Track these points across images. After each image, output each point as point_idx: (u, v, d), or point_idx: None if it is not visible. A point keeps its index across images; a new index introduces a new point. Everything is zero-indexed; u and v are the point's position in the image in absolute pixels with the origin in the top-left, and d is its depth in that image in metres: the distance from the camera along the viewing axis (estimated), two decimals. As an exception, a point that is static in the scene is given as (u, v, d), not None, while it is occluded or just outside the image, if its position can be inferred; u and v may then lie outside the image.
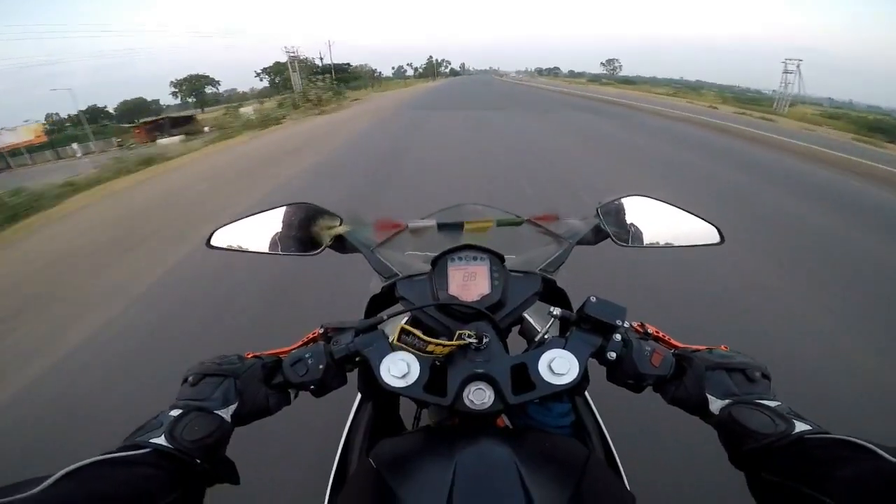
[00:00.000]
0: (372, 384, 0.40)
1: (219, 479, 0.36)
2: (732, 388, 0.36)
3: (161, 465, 0.31)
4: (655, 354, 0.39)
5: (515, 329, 0.51)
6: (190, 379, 0.38)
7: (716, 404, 0.36)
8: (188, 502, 0.32)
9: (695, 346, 0.41)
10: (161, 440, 0.32)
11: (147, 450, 0.31)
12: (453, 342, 0.38)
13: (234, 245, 0.53)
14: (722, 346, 0.41)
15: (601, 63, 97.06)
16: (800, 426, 0.32)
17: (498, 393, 0.37)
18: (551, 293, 0.49)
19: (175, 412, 0.35)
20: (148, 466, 0.30)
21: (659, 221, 0.55)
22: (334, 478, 0.49)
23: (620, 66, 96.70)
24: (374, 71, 57.77)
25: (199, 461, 0.33)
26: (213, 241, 0.53)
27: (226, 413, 0.37)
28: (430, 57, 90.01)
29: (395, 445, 0.39)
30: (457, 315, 0.43)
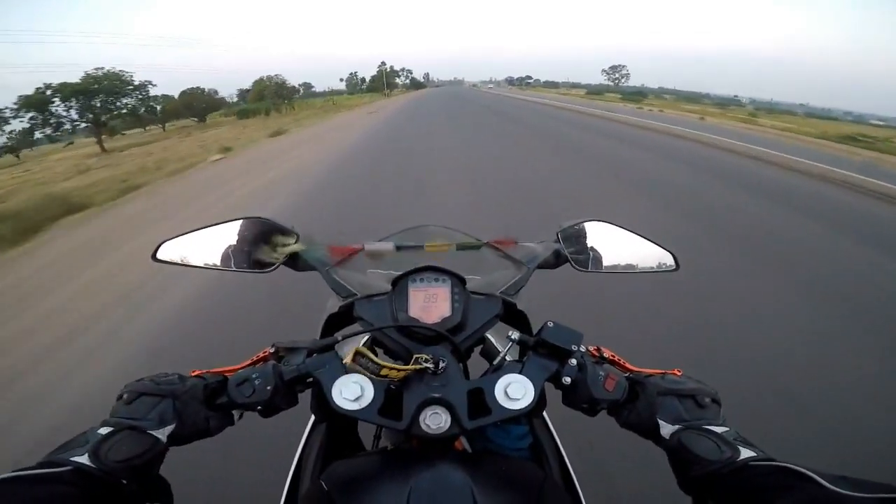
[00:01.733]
0: (325, 406, 0.42)
1: (149, 499, 0.37)
2: (683, 414, 0.41)
3: (81, 485, 0.32)
4: (609, 379, 0.43)
5: (477, 349, 0.56)
6: (125, 397, 0.40)
7: (666, 429, 0.41)
8: None
9: (649, 371, 0.47)
10: (84, 458, 0.34)
11: (66, 468, 0.32)
12: (409, 367, 0.41)
13: (183, 258, 0.55)
14: (675, 371, 0.46)
15: (603, 71, 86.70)
16: (745, 453, 0.36)
17: (454, 417, 0.40)
18: (512, 315, 0.54)
19: (104, 430, 0.37)
20: (67, 485, 0.32)
21: (618, 247, 0.62)
22: (285, 500, 0.51)
23: (627, 74, 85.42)
24: (288, 86, 35.28)
25: (125, 481, 0.34)
26: (160, 255, 0.54)
27: (161, 433, 0.39)
28: (382, 64, 70.83)
29: (348, 467, 0.42)
30: (417, 337, 0.47)
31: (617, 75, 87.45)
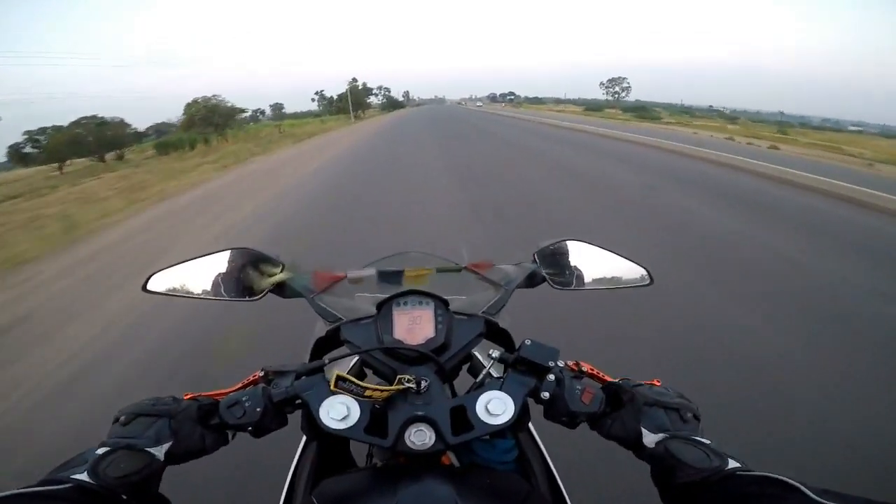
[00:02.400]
0: (315, 425, 0.46)
1: None
2: (667, 424, 0.44)
3: (82, 501, 0.35)
4: (586, 392, 0.48)
5: (466, 367, 0.60)
6: (122, 419, 0.43)
7: (650, 437, 0.44)
8: None
9: (632, 381, 0.49)
10: (83, 476, 0.37)
11: (68, 485, 0.36)
12: (391, 387, 0.46)
13: (173, 289, 0.60)
14: (655, 381, 0.49)
15: (601, 84, 77.69)
16: (732, 463, 0.39)
17: (438, 434, 0.44)
18: (496, 333, 0.59)
19: (102, 449, 0.40)
20: (68, 502, 0.35)
21: (593, 264, 0.68)
22: None
23: (628, 87, 75.70)
24: (225, 108, 26.60)
25: (124, 497, 0.38)
26: (150, 286, 0.59)
27: (158, 451, 0.42)
28: (353, 80, 54.60)
29: (338, 484, 0.45)
30: (403, 358, 0.51)
31: (616, 88, 78.31)
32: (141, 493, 0.40)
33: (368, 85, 65.06)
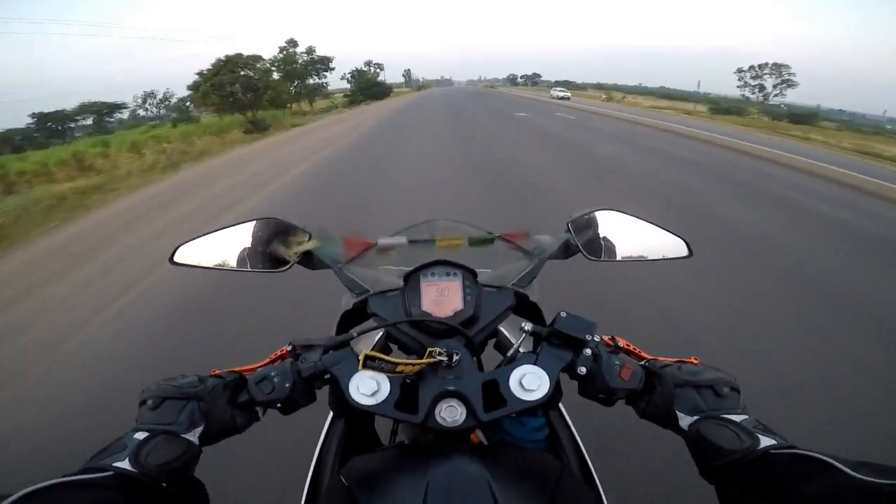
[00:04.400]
0: (343, 401, 0.50)
1: (187, 502, 0.47)
2: (700, 405, 0.48)
3: (124, 489, 0.40)
4: (625, 368, 0.52)
5: (491, 342, 0.66)
6: (149, 402, 0.48)
7: (684, 420, 0.49)
8: None
9: (665, 359, 0.55)
10: (125, 464, 0.42)
11: (109, 473, 0.41)
12: (423, 360, 0.49)
13: (200, 261, 0.67)
14: (692, 359, 0.54)
15: (739, 72, 53.78)
16: (765, 441, 0.43)
17: (469, 410, 0.48)
18: (525, 307, 0.64)
19: (140, 435, 0.45)
20: (110, 490, 0.39)
21: (629, 235, 0.74)
22: (307, 496, 0.61)
23: (791, 81, 50.60)
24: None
25: (164, 485, 0.43)
26: (177, 258, 0.67)
27: (192, 436, 0.48)
28: (290, 43, 36.25)
29: (367, 462, 0.50)
30: (430, 331, 0.56)
31: (768, 81, 53.15)
32: (179, 479, 0.45)
33: (318, 54, 38.52)
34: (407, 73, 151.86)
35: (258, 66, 26.62)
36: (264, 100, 23.68)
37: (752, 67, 56.24)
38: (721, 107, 41.95)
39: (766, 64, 55.15)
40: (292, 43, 38.18)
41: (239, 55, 25.56)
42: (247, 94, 22.59)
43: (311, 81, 41.10)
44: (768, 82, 54.88)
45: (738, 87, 57.72)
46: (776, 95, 55.02)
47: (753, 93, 56.11)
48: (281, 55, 36.98)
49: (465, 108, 22.61)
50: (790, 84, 53.77)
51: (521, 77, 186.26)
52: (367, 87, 49.76)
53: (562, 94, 40.56)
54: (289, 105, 31.66)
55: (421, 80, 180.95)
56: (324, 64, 40.94)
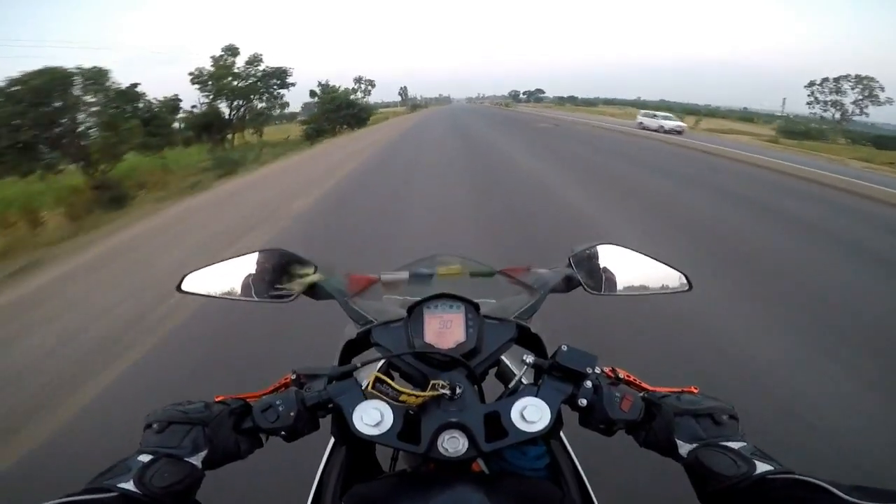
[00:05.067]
0: (346, 430, 0.53)
1: None
2: (700, 433, 0.52)
3: None
4: (625, 400, 0.55)
5: (492, 371, 0.70)
6: (155, 426, 0.51)
7: (684, 448, 0.52)
8: None
9: (665, 389, 0.59)
10: (129, 485, 0.44)
11: (114, 494, 0.43)
12: (426, 393, 0.53)
13: (206, 290, 0.73)
14: (692, 388, 0.58)
15: (812, 85, 46.21)
16: (762, 467, 0.46)
17: (472, 440, 0.51)
18: (527, 338, 0.68)
19: (145, 458, 0.48)
20: None
21: (629, 269, 0.79)
22: None
23: (874, 95, 42.69)
24: None
25: None
26: (185, 286, 0.72)
27: (196, 460, 0.51)
28: (229, 51, 23.88)
29: (369, 490, 0.54)
30: (433, 362, 0.60)
31: (848, 97, 45.18)
32: (182, 502, 0.48)
33: (270, 65, 27.24)
34: (403, 91, 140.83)
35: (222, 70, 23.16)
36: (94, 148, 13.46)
37: (826, 80, 47.80)
38: (793, 129, 35.68)
39: (848, 76, 46.13)
40: (231, 51, 26.28)
41: (230, 55, 23.99)
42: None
43: (263, 103, 29.08)
44: (848, 97, 46.20)
45: (807, 104, 50.02)
46: (856, 114, 46.65)
47: (826, 110, 48.29)
48: (211, 67, 25.92)
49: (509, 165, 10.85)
50: (875, 100, 44.92)
51: (524, 94, 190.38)
52: (333, 110, 33.11)
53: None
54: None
55: (419, 98, 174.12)
56: (278, 78, 28.27)
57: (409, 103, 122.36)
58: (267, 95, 29.14)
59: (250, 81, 27.77)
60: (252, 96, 27.97)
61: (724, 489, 0.47)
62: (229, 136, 26.86)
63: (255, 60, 27.40)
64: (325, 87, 37.72)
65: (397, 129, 26.95)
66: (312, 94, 37.85)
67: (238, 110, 27.61)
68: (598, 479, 0.71)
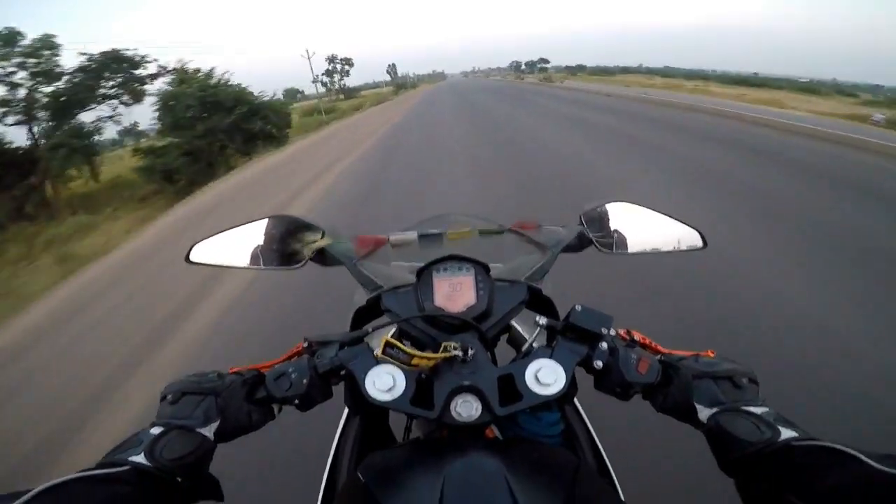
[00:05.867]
0: (359, 398, 0.55)
1: (201, 496, 0.52)
2: (719, 397, 0.52)
3: (140, 483, 0.45)
4: (642, 362, 0.57)
5: (504, 338, 0.72)
6: (169, 397, 0.54)
7: (703, 413, 0.53)
8: None
9: (682, 352, 0.60)
10: (140, 458, 0.47)
11: (126, 467, 0.45)
12: (438, 355, 0.54)
13: (214, 259, 0.76)
14: (709, 352, 0.58)
15: None
16: (786, 433, 0.46)
17: (485, 405, 0.53)
18: (538, 301, 0.70)
19: (156, 430, 0.50)
20: (127, 484, 0.44)
21: (642, 227, 0.81)
22: (324, 493, 0.68)
23: None
24: None
25: (179, 479, 0.48)
26: (192, 257, 0.75)
27: (208, 431, 0.53)
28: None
29: (383, 459, 0.56)
30: (443, 326, 0.62)
31: None
32: (194, 474, 0.51)
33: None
34: (392, 69, 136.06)
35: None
36: None
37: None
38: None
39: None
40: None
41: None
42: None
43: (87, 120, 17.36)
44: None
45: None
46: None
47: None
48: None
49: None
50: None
51: (526, 65, 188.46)
52: (196, 118, 16.98)
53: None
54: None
55: (412, 75, 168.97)
56: (123, 69, 17.56)
57: (396, 82, 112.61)
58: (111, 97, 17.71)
59: (76, 78, 16.10)
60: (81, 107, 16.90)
61: (747, 456, 0.47)
62: (42, 184, 15.63)
63: (47, 44, 15.23)
64: (179, 73, 18.71)
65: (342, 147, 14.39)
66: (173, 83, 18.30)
67: (50, 134, 16.15)
68: (613, 444, 0.72)
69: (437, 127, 14.46)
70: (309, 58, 34.66)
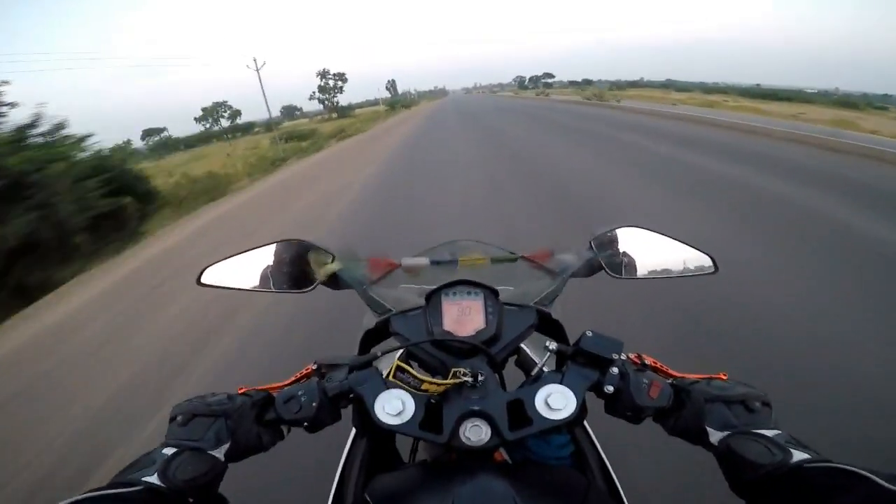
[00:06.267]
0: (367, 420, 0.57)
1: None
2: (731, 420, 0.54)
3: (152, 503, 0.47)
4: (653, 386, 0.58)
5: (512, 359, 0.73)
6: (179, 419, 0.56)
7: (715, 436, 0.54)
8: None
9: (693, 375, 0.61)
10: (153, 478, 0.49)
11: (139, 487, 0.47)
12: (448, 381, 0.56)
13: (226, 282, 0.79)
14: (721, 375, 0.60)
15: None
16: (798, 455, 0.47)
17: (494, 429, 0.55)
18: (547, 325, 0.72)
19: (168, 451, 0.52)
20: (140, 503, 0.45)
21: (652, 252, 0.84)
22: None
23: None
24: None
25: (191, 500, 0.50)
26: (204, 279, 0.78)
27: (219, 452, 0.55)
28: None
29: (391, 481, 0.57)
30: (452, 350, 0.64)
31: None
32: (205, 495, 0.53)
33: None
34: (391, 86, 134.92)
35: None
36: None
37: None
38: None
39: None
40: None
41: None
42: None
43: None
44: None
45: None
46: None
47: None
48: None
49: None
50: None
51: (530, 80, 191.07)
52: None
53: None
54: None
55: (413, 92, 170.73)
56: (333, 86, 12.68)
57: (394, 100, 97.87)
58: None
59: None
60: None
61: (759, 478, 0.49)
62: None
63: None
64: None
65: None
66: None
67: None
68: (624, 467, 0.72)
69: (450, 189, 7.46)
70: (257, 69, 28.81)
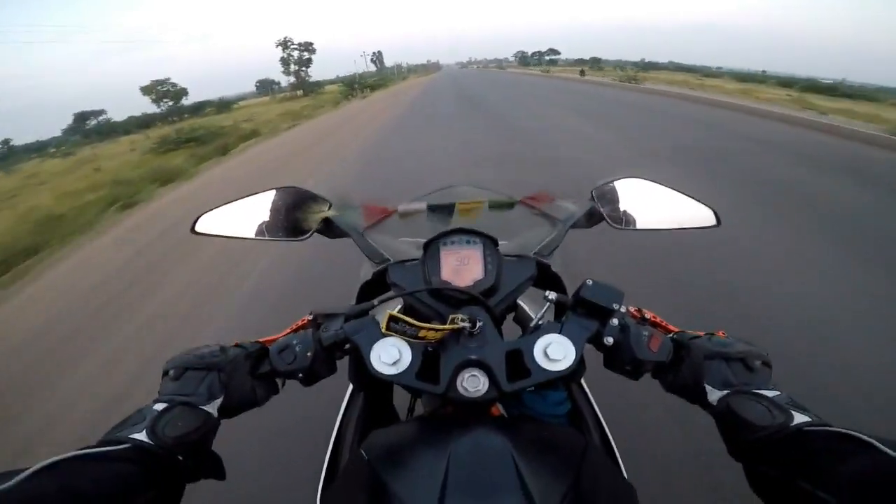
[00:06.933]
0: (363, 374, 0.57)
1: (203, 475, 0.55)
2: (731, 378, 0.55)
3: (140, 461, 0.47)
4: (653, 339, 0.59)
5: (510, 316, 0.74)
6: (171, 373, 0.56)
7: (714, 394, 0.55)
8: (167, 498, 0.49)
9: (693, 332, 0.62)
10: (142, 435, 0.48)
11: (126, 445, 0.47)
12: (446, 326, 0.56)
13: (220, 230, 0.80)
14: (720, 332, 0.60)
15: None
16: (799, 418, 0.48)
17: (492, 380, 0.55)
18: (546, 278, 0.73)
19: (159, 406, 0.52)
20: (127, 462, 0.46)
21: (654, 204, 0.85)
22: (326, 470, 0.71)
23: None
24: None
25: (181, 457, 0.50)
26: (198, 227, 0.79)
27: (212, 408, 0.55)
28: None
29: (387, 436, 0.58)
30: (450, 300, 0.65)
31: None
32: (196, 452, 0.52)
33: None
34: (377, 58, 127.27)
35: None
36: None
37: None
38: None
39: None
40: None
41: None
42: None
43: None
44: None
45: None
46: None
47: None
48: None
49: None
50: None
51: (533, 55, 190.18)
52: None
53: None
54: None
55: (404, 66, 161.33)
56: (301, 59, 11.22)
57: (387, 72, 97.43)
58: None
59: None
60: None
61: (759, 440, 0.49)
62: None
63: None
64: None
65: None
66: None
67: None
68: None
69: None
70: (289, 45, 26.49)
